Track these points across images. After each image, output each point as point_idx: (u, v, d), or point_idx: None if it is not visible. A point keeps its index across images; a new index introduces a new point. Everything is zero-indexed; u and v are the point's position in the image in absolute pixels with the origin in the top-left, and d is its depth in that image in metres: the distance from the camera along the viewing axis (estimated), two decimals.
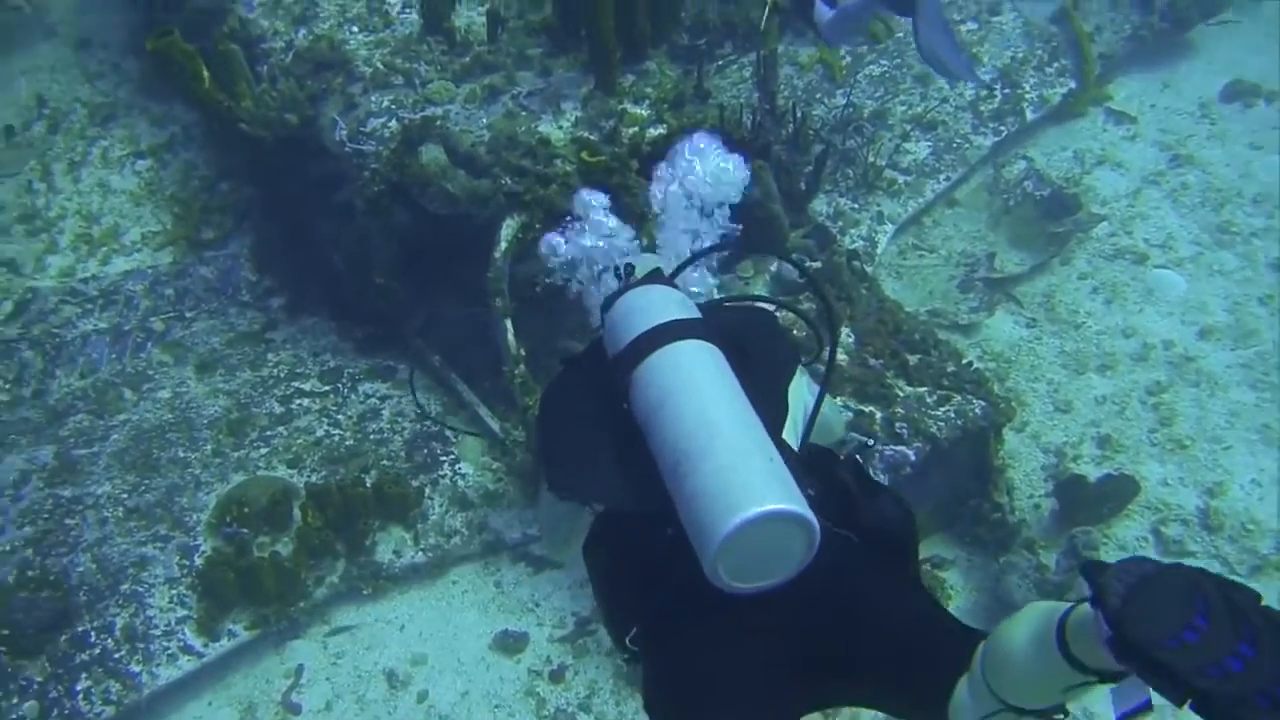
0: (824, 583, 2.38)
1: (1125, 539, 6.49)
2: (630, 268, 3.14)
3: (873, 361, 6.13)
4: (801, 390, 2.94)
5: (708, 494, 2.29)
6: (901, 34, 8.92)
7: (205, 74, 6.31)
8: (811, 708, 2.66)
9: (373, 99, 6.56)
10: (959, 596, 6.30)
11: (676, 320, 2.71)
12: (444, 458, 6.63)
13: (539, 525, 3.67)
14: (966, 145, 8.45)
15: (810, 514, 2.26)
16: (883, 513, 2.57)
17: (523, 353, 6.20)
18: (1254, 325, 7.59)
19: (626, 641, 2.60)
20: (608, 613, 2.76)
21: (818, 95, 8.52)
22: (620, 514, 2.71)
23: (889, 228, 7.94)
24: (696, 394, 2.51)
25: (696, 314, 2.79)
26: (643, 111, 6.33)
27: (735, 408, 2.49)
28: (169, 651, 5.73)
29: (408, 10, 7.09)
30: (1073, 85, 8.87)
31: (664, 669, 2.58)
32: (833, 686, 2.55)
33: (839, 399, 5.93)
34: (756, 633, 2.45)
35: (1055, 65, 8.87)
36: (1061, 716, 2.08)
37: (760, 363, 2.74)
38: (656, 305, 2.79)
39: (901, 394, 6.03)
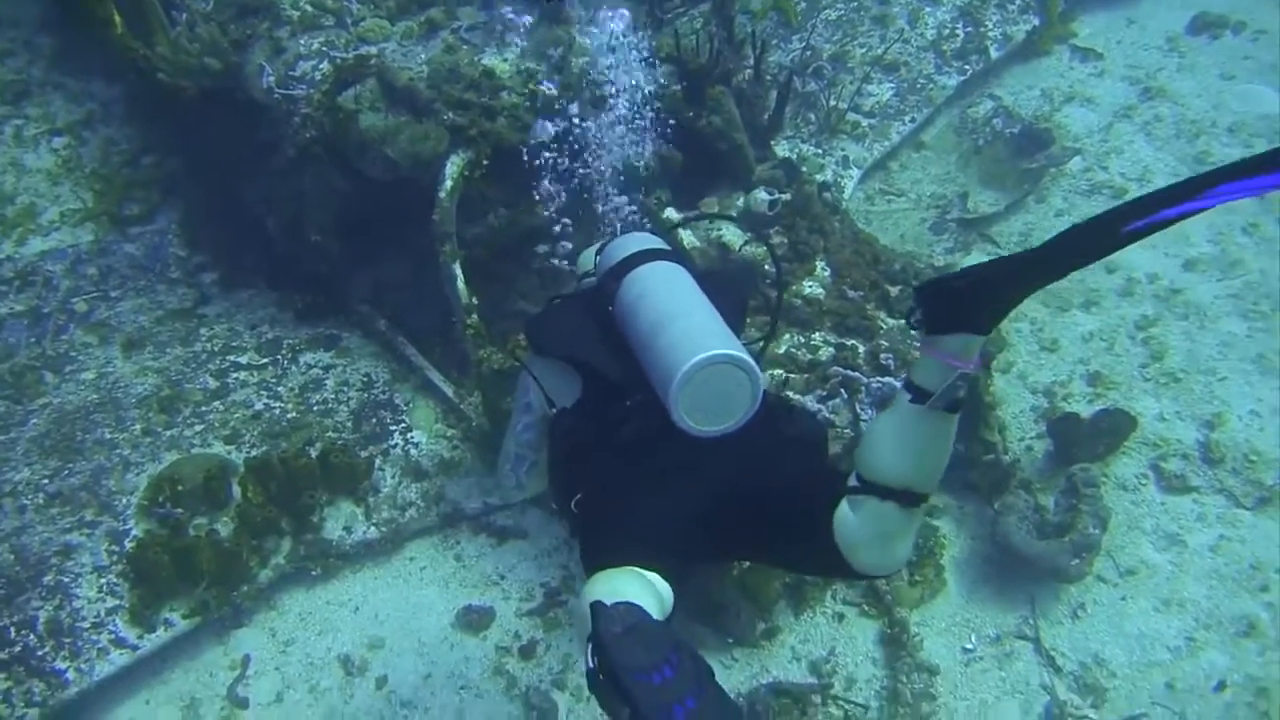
0: (745, 446, 2.96)
1: (1124, 476, 6.13)
2: (625, 228, 4.01)
3: (852, 293, 5.71)
4: None
5: (676, 345, 2.89)
6: None
7: (117, 19, 5.78)
8: (718, 559, 3.39)
9: (301, 42, 6.07)
10: (953, 546, 5.90)
11: (659, 248, 3.49)
12: (394, 426, 6.16)
13: (502, 456, 3.59)
14: (931, 86, 8.09)
15: (757, 368, 2.86)
16: (799, 424, 3.20)
17: (475, 301, 5.72)
18: (1239, 255, 7.29)
19: (571, 505, 3.08)
20: (559, 478, 3.26)
21: (774, 41, 8.12)
22: (588, 395, 3.29)
23: (855, 172, 7.55)
24: (672, 287, 3.22)
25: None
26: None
27: (703, 301, 3.14)
28: (99, 645, 5.19)
29: None
30: (1036, 22, 8.54)
31: (600, 516, 3.03)
32: (738, 540, 3.05)
33: (818, 333, 5.52)
34: (683, 483, 2.97)
35: (1018, 2, 8.54)
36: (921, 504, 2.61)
37: (722, 286, 3.37)
38: (645, 241, 3.58)
39: (884, 326, 5.62)
